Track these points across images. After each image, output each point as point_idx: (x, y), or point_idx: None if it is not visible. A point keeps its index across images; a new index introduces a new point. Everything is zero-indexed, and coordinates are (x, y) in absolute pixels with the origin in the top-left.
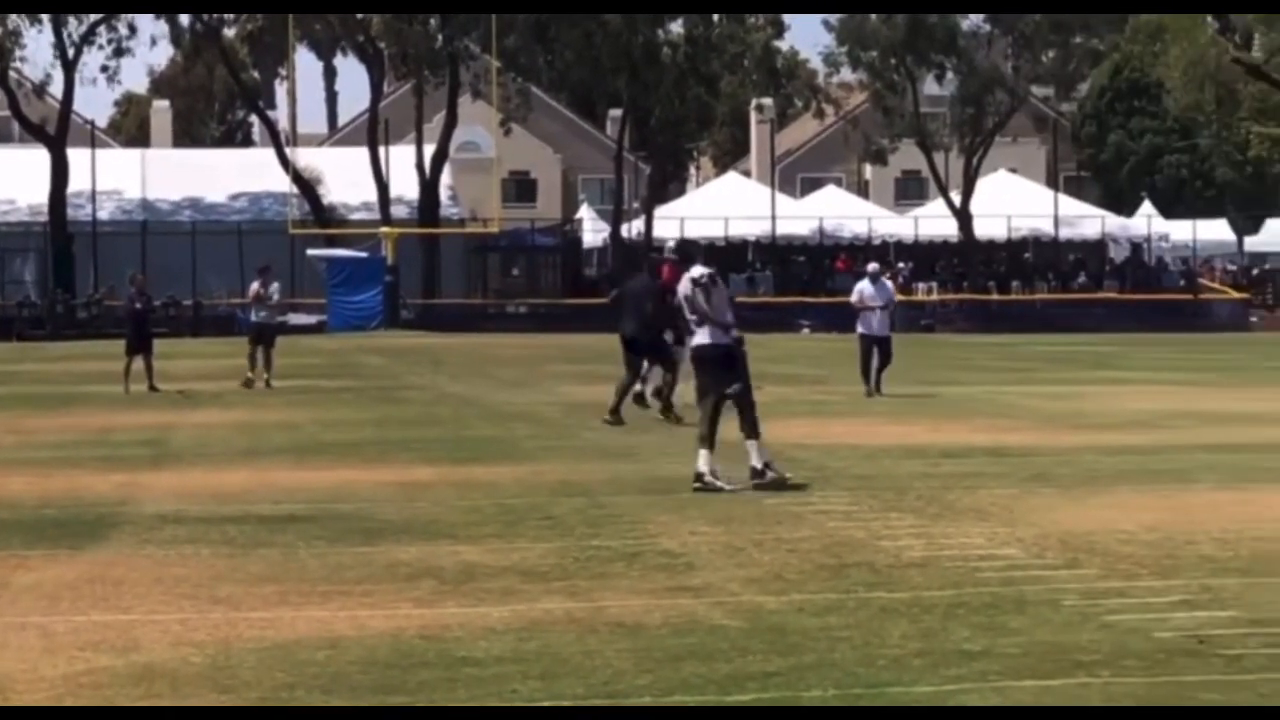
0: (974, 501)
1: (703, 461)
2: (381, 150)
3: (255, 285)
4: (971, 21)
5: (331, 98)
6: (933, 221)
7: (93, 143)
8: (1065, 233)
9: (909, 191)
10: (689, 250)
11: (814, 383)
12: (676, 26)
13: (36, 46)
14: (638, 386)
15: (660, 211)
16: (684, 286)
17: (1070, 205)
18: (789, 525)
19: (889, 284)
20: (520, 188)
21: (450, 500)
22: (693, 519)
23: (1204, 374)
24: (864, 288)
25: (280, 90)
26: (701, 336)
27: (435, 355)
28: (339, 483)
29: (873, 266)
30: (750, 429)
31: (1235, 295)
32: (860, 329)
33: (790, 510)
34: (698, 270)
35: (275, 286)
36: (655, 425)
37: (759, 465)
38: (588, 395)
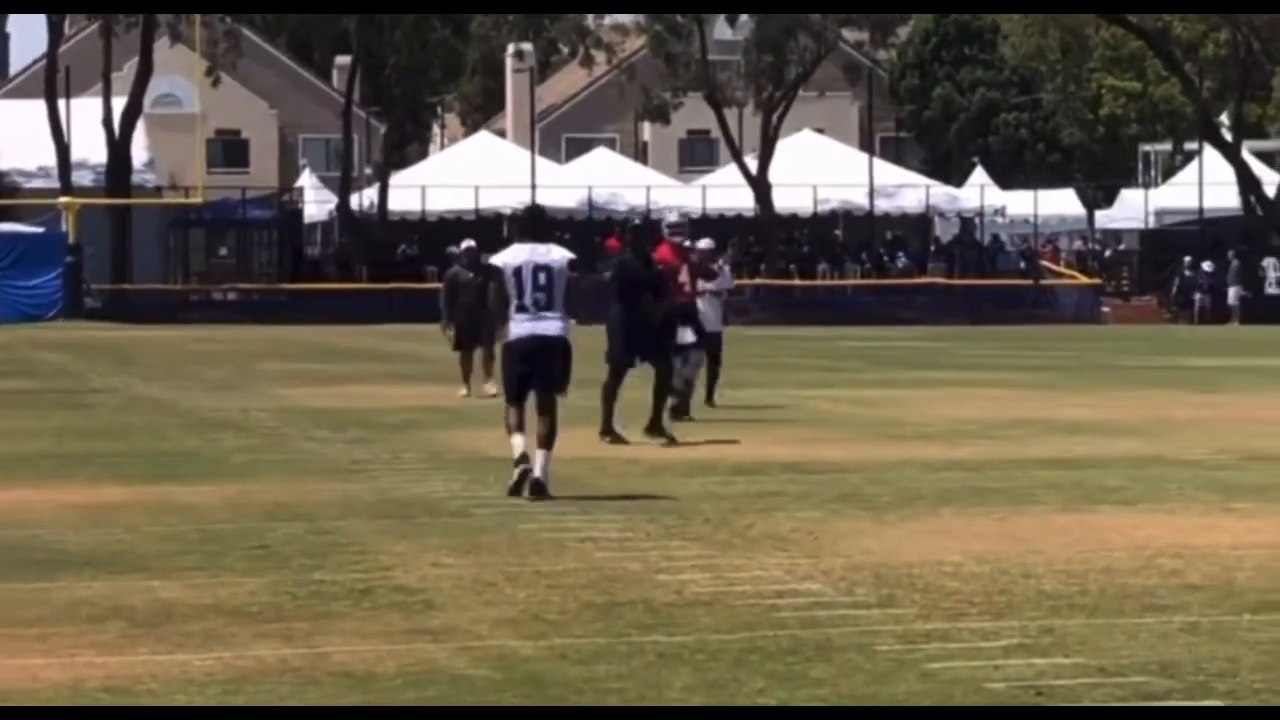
0: (771, 526)
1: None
2: (61, 104)
3: None
4: None
5: (1, 41)
6: (724, 191)
7: None
8: (882, 205)
9: (696, 155)
10: (540, 220)
11: (583, 385)
12: None
13: None
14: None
15: (397, 178)
16: (520, 258)
17: (888, 172)
18: (549, 556)
19: (726, 267)
20: (229, 150)
21: (143, 526)
22: (434, 548)
23: (1046, 374)
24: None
25: None
26: (550, 326)
27: (126, 352)
28: (8, 505)
29: (705, 244)
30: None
31: (1084, 280)
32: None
33: (551, 538)
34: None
35: None
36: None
37: (544, 477)
38: (309, 399)
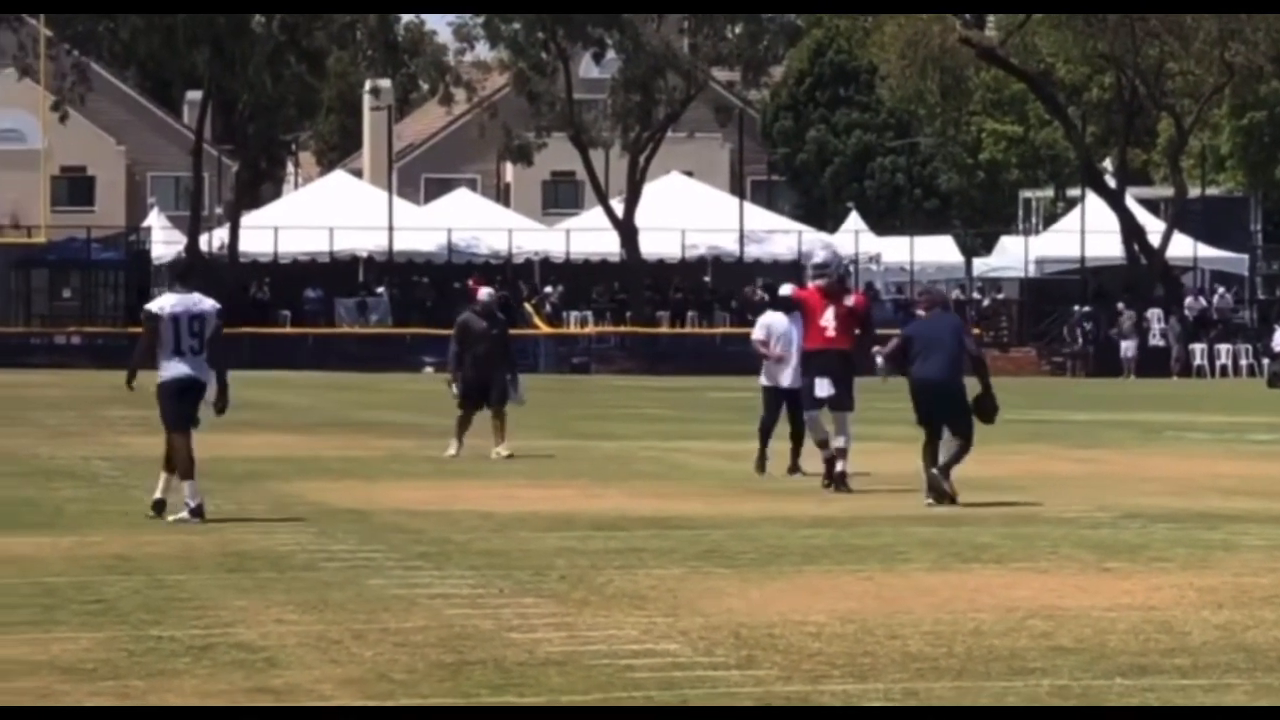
0: (629, 584)
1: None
2: None
3: None
4: None
5: None
6: (589, 235)
7: None
8: (753, 251)
9: (560, 198)
10: (192, 270)
11: (439, 435)
12: None
13: None
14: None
15: (250, 219)
16: (177, 307)
17: (760, 217)
18: (398, 612)
19: None
20: (75, 188)
21: None
22: (278, 604)
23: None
24: (775, 323)
25: None
26: (198, 369)
27: None
28: None
29: (788, 289)
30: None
31: None
32: (765, 380)
33: (400, 594)
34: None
35: None
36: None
37: (195, 504)
38: (153, 448)
